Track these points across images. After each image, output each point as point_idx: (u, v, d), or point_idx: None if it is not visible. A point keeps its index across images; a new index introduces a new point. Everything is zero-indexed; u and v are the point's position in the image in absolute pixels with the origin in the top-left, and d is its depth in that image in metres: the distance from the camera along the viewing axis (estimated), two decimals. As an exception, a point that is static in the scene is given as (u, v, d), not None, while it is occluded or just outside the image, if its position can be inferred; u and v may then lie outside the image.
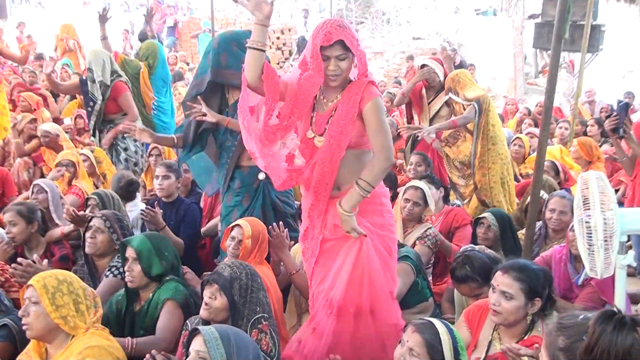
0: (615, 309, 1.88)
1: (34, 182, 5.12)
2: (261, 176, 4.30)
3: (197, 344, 2.42)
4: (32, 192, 4.98)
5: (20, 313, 2.81)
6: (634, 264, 3.22)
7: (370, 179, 3.06)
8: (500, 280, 2.97)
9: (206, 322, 3.01)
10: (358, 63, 3.10)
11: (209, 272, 3.46)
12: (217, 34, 4.49)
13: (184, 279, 3.74)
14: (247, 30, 4.06)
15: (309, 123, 3.24)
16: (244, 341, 2.47)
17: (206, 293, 3.00)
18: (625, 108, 4.72)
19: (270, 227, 3.87)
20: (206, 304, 2.99)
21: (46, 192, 4.90)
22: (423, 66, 6.70)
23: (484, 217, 4.53)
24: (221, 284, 2.96)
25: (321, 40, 2.99)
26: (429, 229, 4.60)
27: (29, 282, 2.82)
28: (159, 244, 3.56)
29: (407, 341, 2.63)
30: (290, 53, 18.43)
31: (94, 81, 6.34)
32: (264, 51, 3.06)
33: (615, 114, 4.70)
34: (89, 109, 6.50)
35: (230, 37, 4.30)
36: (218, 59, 4.22)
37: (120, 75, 6.51)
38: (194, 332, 2.48)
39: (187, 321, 3.24)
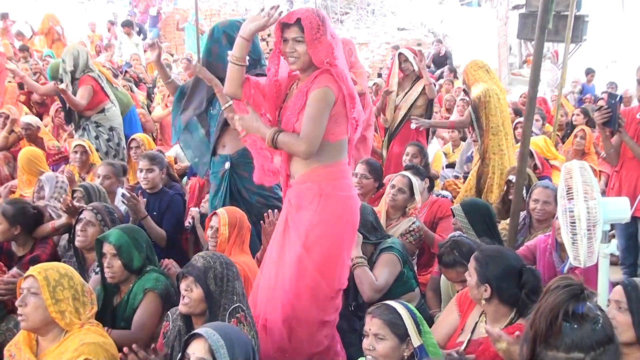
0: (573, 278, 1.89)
1: (38, 179, 5.09)
2: (227, 165, 4.43)
3: (199, 351, 2.37)
4: (38, 187, 4.96)
5: (17, 303, 2.78)
6: (617, 253, 3.26)
7: (282, 142, 3.00)
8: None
9: (186, 316, 3.00)
10: (312, 50, 3.01)
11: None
12: (216, 23, 4.55)
13: (167, 270, 3.73)
14: (240, 22, 4.17)
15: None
16: (243, 340, 2.46)
17: (182, 286, 2.98)
18: (619, 102, 4.68)
19: (265, 214, 3.88)
20: (184, 297, 2.97)
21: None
22: (400, 55, 6.70)
23: (453, 208, 4.55)
24: (195, 275, 2.94)
25: (282, 18, 3.06)
26: (413, 223, 4.61)
27: (30, 272, 2.80)
28: (135, 236, 3.53)
29: (370, 329, 2.68)
30: (275, 44, 18.30)
31: (65, 72, 6.34)
32: (243, 66, 3.18)
33: (607, 107, 4.66)
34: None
35: (222, 29, 4.36)
36: (209, 49, 4.39)
37: (92, 71, 6.47)
38: (194, 336, 2.43)
39: (169, 312, 3.22)
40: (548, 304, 1.79)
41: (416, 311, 2.75)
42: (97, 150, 6.34)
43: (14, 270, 3.65)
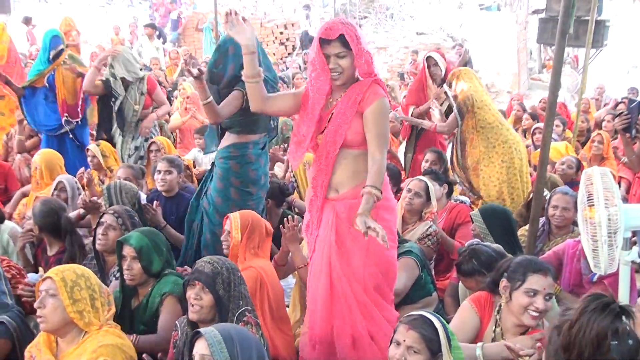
0: (607, 295, 1.88)
1: (57, 179, 5.12)
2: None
3: (201, 348, 2.40)
4: (55, 189, 5.00)
5: (36, 305, 2.81)
6: (638, 260, 3.21)
7: (378, 181, 2.96)
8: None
9: (193, 324, 2.99)
10: (358, 61, 3.02)
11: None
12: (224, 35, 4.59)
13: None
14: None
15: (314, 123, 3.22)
16: (247, 340, 2.46)
17: (190, 294, 2.97)
18: (638, 108, 4.65)
19: (285, 219, 3.89)
20: (192, 305, 2.96)
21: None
22: (429, 58, 6.65)
23: (472, 214, 4.53)
24: (204, 281, 2.94)
25: (321, 34, 3.02)
26: (430, 227, 4.59)
27: (47, 274, 2.83)
28: (155, 239, 3.54)
29: (404, 340, 2.63)
30: (294, 48, 18.39)
31: (116, 77, 6.31)
32: (259, 82, 3.20)
33: (626, 113, 4.65)
34: (112, 105, 6.41)
35: (230, 39, 4.35)
36: (215, 61, 4.43)
37: (150, 69, 6.52)
38: (196, 335, 2.47)
39: (177, 322, 3.22)
40: (592, 327, 1.79)
41: (447, 325, 2.71)
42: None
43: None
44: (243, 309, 2.98)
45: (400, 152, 7.28)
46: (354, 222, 2.85)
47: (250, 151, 4.50)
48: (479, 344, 2.99)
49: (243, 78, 3.26)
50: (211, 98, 4.14)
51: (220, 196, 4.48)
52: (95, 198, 4.59)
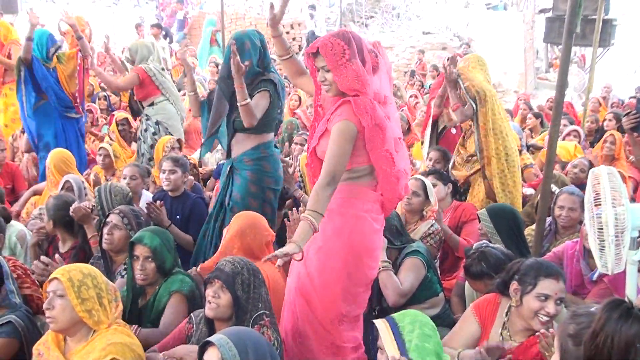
0: (625, 299, 1.88)
1: (64, 179, 5.15)
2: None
3: (212, 358, 2.36)
4: (62, 189, 5.02)
5: (45, 306, 2.81)
6: (645, 260, 3.21)
7: (318, 207, 2.84)
8: None
9: (209, 320, 3.01)
10: (336, 77, 2.95)
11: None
12: (236, 33, 4.55)
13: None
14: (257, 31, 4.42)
15: None
16: (261, 349, 2.41)
17: (209, 292, 2.97)
18: None
19: (289, 211, 3.87)
20: (210, 302, 2.96)
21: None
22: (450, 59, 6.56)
23: (479, 213, 4.50)
24: (224, 280, 2.94)
25: (307, 48, 3.08)
26: (432, 226, 4.57)
27: (54, 275, 2.83)
28: (165, 238, 3.56)
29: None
30: (300, 48, 18.39)
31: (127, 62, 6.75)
32: (289, 58, 3.44)
33: (635, 112, 4.66)
34: None
35: (243, 37, 4.38)
36: (229, 57, 4.33)
37: (147, 64, 6.73)
38: (207, 343, 2.40)
39: (192, 314, 3.23)
40: (620, 337, 1.78)
41: (438, 338, 2.66)
42: (144, 142, 6.62)
43: (57, 257, 3.75)
44: (261, 312, 2.97)
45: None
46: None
47: (275, 150, 4.62)
48: (458, 349, 2.99)
49: (276, 58, 3.41)
50: (249, 100, 4.15)
51: (256, 199, 4.48)
52: (87, 203, 4.53)
